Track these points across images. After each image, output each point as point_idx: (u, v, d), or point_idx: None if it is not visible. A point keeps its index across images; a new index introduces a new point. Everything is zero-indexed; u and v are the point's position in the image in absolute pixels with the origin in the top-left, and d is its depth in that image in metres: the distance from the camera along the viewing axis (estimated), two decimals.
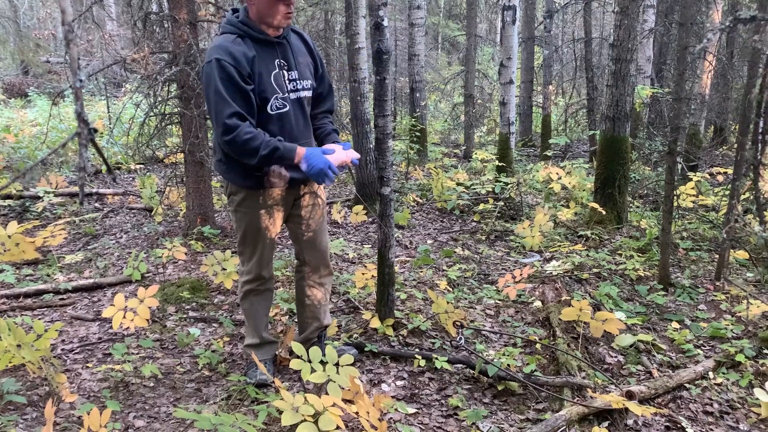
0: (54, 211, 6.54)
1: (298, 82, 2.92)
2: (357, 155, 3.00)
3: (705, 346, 3.72)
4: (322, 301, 3.31)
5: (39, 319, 3.98)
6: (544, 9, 12.69)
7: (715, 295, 4.40)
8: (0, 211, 6.38)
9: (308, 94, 2.99)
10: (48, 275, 4.76)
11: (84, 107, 0.88)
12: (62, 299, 4.32)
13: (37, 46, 14.18)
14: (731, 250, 4.71)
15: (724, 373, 3.33)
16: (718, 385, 3.24)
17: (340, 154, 2.91)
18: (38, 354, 2.88)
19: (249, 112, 2.74)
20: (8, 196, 6.54)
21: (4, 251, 3.17)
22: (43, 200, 6.52)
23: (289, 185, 3.00)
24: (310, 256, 3.22)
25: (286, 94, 2.87)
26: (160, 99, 5.50)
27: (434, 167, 8.33)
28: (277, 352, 3.33)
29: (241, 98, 2.71)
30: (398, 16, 17.32)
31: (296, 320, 3.47)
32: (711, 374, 3.32)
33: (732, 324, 3.93)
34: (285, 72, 2.88)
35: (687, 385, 3.20)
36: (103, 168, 8.23)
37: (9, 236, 3.16)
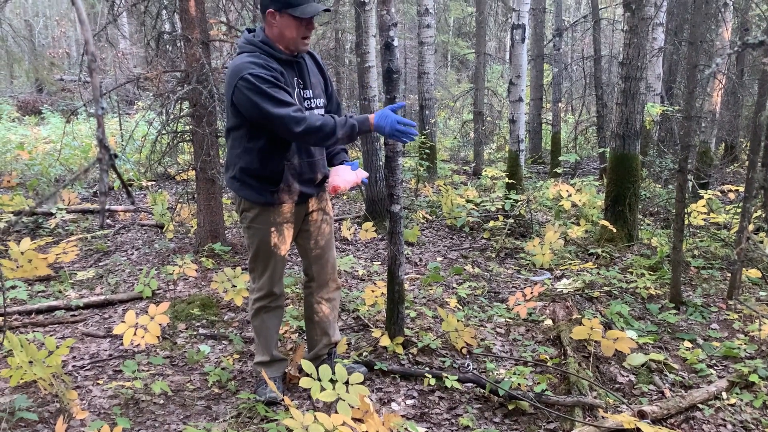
0: (66, 228, 6.58)
1: (312, 100, 2.99)
2: (366, 174, 3.04)
3: (718, 366, 3.69)
4: (331, 317, 3.31)
5: (50, 335, 3.99)
6: (553, 27, 12.75)
7: (728, 314, 4.36)
8: (13, 227, 6.43)
9: (321, 112, 3.05)
10: (60, 292, 4.79)
11: (105, 133, 0.90)
12: (74, 316, 4.34)
13: (52, 65, 14.38)
14: (744, 269, 4.67)
15: (737, 394, 3.30)
16: (732, 405, 3.20)
17: (350, 175, 2.96)
18: (50, 370, 2.89)
19: (297, 103, 2.80)
20: (21, 213, 6.60)
21: (17, 267, 3.20)
22: (55, 217, 6.57)
23: (299, 201, 3.03)
24: (318, 272, 3.24)
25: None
26: (172, 117, 5.55)
27: (444, 184, 8.35)
28: (286, 370, 3.33)
29: (288, 94, 2.76)
30: (408, 34, 17.45)
31: (305, 338, 3.48)
32: (724, 395, 3.28)
33: (745, 343, 3.90)
34: (301, 90, 2.95)
35: (700, 406, 3.17)
36: (116, 184, 8.30)
37: (22, 253, 3.18)
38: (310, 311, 3.32)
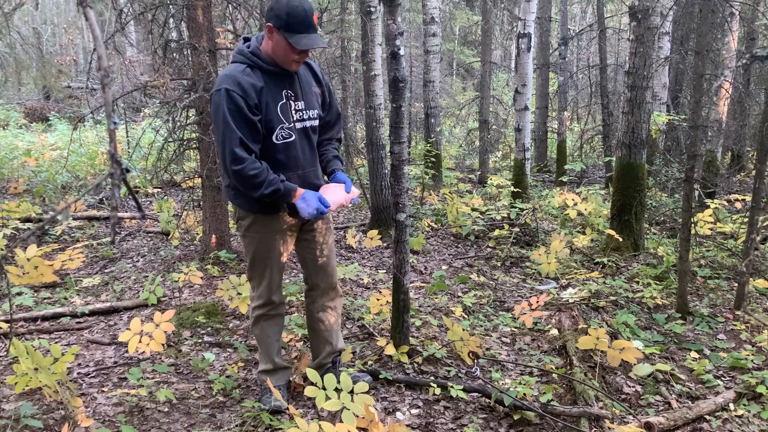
0: (72, 235, 6.61)
1: (304, 112, 2.97)
2: (357, 193, 3.03)
3: (725, 377, 3.66)
4: (334, 325, 3.31)
5: (56, 342, 4.00)
6: (559, 36, 12.77)
7: (735, 325, 4.33)
8: (20, 234, 6.45)
9: (315, 123, 3.04)
10: (65, 298, 4.80)
11: (117, 147, 0.90)
12: (79, 323, 4.35)
13: (59, 72, 14.49)
14: (750, 279, 4.64)
15: (745, 405, 3.27)
16: (739, 417, 3.18)
17: (339, 197, 2.95)
18: (55, 378, 2.89)
19: (255, 143, 2.79)
20: (28, 219, 6.63)
21: (23, 274, 3.20)
22: (61, 224, 6.59)
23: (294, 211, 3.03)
24: (319, 280, 3.24)
25: (292, 124, 2.92)
26: (178, 124, 5.57)
27: (449, 192, 8.34)
28: (291, 378, 3.32)
29: (248, 129, 2.76)
30: (414, 43, 17.50)
31: (310, 346, 3.47)
32: (731, 406, 3.26)
33: (752, 354, 3.87)
34: (292, 102, 2.92)
35: (707, 417, 3.15)
36: (123, 191, 8.32)
37: (28, 259, 3.19)
38: (312, 320, 3.31)
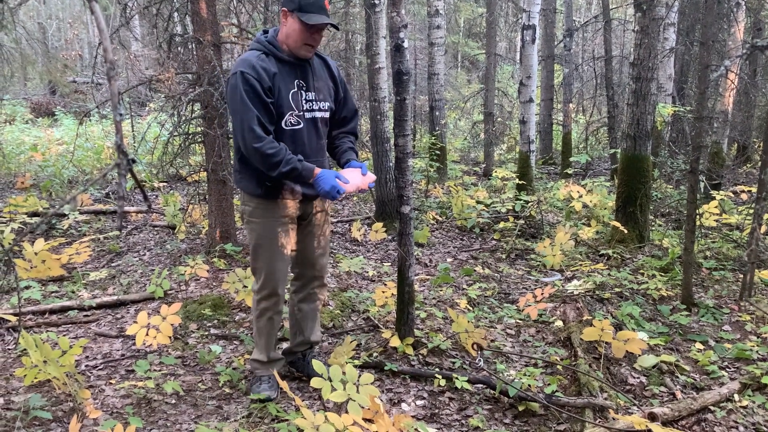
0: (79, 229, 6.64)
1: (314, 102, 3.03)
2: (373, 178, 3.06)
3: (730, 368, 3.67)
4: (309, 314, 3.36)
5: (64, 335, 4.03)
6: (563, 27, 12.72)
7: (740, 316, 4.34)
8: (36, 231, 6.48)
9: (325, 115, 3.08)
10: (73, 292, 4.83)
11: (123, 139, 0.92)
12: (86, 316, 4.38)
13: (65, 67, 14.52)
14: (756, 270, 4.64)
15: (749, 396, 3.28)
16: (744, 407, 3.19)
17: (357, 179, 2.97)
18: (63, 370, 2.93)
19: (270, 123, 2.88)
20: (35, 214, 6.67)
21: (31, 268, 3.24)
22: (68, 218, 6.63)
23: (302, 200, 3.07)
24: (308, 271, 3.30)
25: (302, 113, 2.98)
26: (184, 119, 5.58)
27: (454, 185, 8.34)
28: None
29: (263, 109, 2.85)
30: (418, 35, 17.45)
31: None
32: (736, 396, 3.27)
33: (757, 345, 3.87)
34: (303, 92, 2.99)
35: (711, 408, 3.15)
36: (129, 185, 8.35)
37: (36, 253, 3.22)
38: (292, 308, 3.38)
